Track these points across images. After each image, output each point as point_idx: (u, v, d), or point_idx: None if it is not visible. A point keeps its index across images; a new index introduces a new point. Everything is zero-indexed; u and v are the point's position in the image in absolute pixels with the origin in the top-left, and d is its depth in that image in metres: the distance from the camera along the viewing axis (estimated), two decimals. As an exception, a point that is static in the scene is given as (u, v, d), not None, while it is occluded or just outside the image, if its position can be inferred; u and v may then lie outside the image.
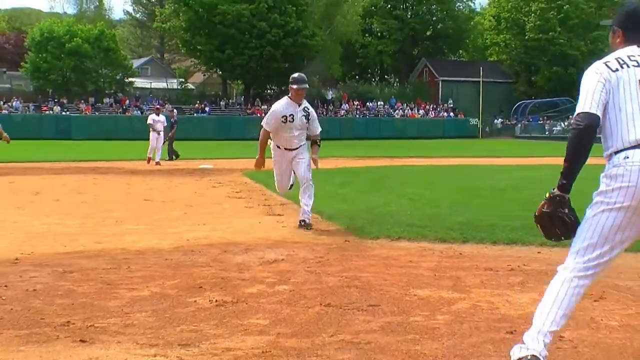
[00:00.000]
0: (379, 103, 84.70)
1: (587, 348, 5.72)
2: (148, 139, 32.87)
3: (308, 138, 13.05)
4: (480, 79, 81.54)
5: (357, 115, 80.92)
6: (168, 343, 5.80)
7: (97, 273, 8.65)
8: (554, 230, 5.12)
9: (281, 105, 12.57)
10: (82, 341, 5.82)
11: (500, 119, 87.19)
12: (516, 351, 5.02)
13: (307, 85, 12.76)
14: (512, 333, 6.04)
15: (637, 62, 4.96)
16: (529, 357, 4.92)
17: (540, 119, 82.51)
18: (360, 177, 24.45)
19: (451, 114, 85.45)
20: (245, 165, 29.71)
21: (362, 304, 7.08)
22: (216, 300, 7.26)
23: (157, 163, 31.43)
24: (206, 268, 9.02)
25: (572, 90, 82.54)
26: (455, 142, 64.66)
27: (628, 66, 4.94)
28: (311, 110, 12.83)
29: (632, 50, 5.05)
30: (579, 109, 4.87)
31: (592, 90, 4.88)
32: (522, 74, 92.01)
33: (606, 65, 4.97)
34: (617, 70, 4.92)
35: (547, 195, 5.01)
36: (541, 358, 4.91)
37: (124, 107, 74.88)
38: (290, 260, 9.55)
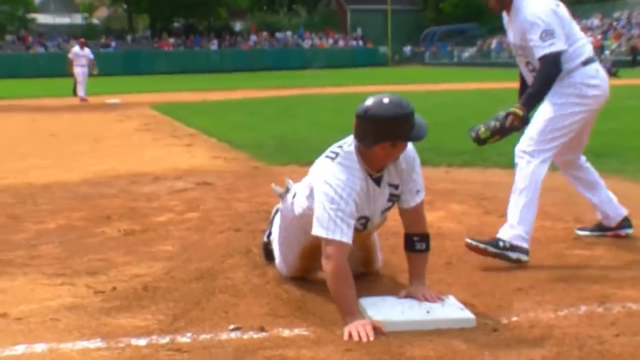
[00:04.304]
0: (287, 33, 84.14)
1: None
2: (70, 75, 32.05)
3: None
4: (389, 7, 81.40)
5: (266, 46, 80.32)
6: (75, 272, 5.74)
7: (2, 208, 8.52)
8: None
9: (350, 183, 4.59)
10: (-13, 274, 5.73)
11: (409, 47, 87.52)
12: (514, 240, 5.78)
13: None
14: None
15: None
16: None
17: (449, 45, 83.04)
18: (269, 106, 24.37)
19: (360, 42, 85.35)
20: (153, 99, 29.42)
21: (271, 227, 7.08)
22: (124, 230, 7.21)
23: (84, 99, 30.39)
24: (114, 199, 8.94)
25: (479, 16, 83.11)
26: (365, 70, 64.68)
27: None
28: (405, 166, 4.83)
29: None
30: (557, 47, 5.75)
31: (563, 33, 5.81)
32: (430, 2, 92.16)
33: (554, 4, 5.91)
34: (558, 5, 5.93)
35: (515, 112, 5.85)
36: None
37: (27, 44, 72.93)
38: (199, 189, 9.52)
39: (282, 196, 5.38)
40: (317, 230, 4.53)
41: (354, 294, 4.51)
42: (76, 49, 32.07)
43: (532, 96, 5.90)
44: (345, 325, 4.34)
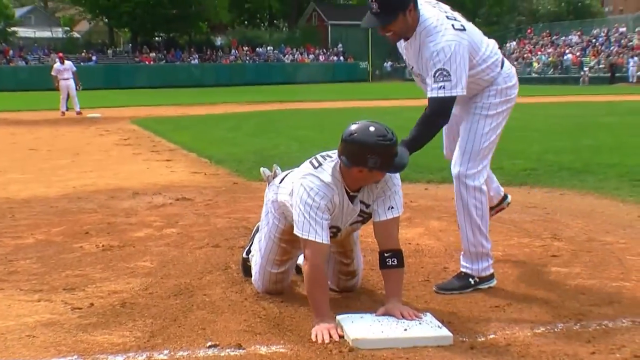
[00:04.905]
0: (268, 48, 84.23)
1: (470, 277, 5.84)
2: (54, 89, 31.79)
3: None
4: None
5: (247, 61, 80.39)
6: (53, 288, 5.72)
7: (-20, 223, 8.46)
8: None
9: (325, 190, 4.79)
10: (-37, 290, 5.69)
11: (390, 62, 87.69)
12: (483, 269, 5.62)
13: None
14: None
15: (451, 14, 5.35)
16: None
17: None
18: (250, 121, 24.39)
19: (341, 58, 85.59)
20: (133, 113, 29.36)
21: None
22: (102, 245, 7.18)
23: (78, 113, 30.19)
24: (93, 214, 8.90)
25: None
26: (346, 85, 64.79)
27: (458, 19, 5.30)
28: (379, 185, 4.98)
29: (438, 8, 5.33)
30: (447, 92, 5.13)
31: (464, 74, 5.16)
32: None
33: (461, 30, 5.20)
34: (463, 28, 5.22)
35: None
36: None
37: (8, 57, 72.66)
38: (178, 204, 9.49)
39: (269, 180, 5.53)
40: (296, 232, 4.79)
41: (325, 296, 4.75)
42: (57, 64, 31.95)
43: (415, 141, 5.28)
44: (314, 327, 4.59)
